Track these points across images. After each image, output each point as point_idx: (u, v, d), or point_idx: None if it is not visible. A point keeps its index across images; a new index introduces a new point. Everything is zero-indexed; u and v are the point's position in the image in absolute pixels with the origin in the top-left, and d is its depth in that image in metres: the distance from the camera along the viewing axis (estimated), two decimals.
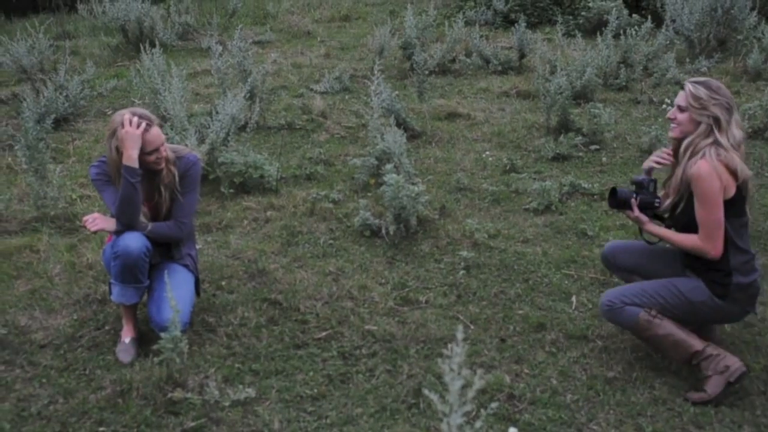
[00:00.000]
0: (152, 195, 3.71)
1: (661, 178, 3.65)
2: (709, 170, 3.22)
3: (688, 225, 3.37)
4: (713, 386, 3.32)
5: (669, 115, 3.46)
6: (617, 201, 3.54)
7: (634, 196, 3.54)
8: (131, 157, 3.49)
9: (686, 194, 3.34)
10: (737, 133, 3.31)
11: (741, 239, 3.36)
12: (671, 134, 3.46)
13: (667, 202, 3.45)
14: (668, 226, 3.55)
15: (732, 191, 3.27)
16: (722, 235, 3.29)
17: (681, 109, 3.39)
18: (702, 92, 3.31)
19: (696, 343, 3.37)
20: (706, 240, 3.29)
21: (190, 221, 3.85)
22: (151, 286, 3.70)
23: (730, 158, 3.25)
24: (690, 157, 3.31)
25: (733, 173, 3.26)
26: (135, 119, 3.50)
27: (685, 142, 3.36)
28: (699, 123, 3.32)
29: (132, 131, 3.48)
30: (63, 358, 3.62)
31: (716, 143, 3.27)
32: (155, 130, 3.60)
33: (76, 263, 4.51)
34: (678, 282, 3.44)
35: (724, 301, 3.36)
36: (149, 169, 3.63)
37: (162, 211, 3.72)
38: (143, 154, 3.55)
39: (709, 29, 9.22)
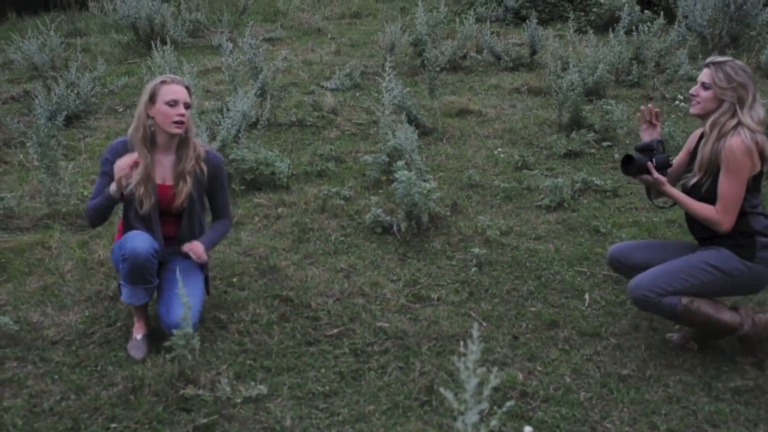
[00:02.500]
0: (177, 181, 3.69)
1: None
2: (744, 148, 3.27)
3: (709, 203, 3.39)
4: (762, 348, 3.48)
5: (691, 91, 3.48)
6: (635, 167, 3.50)
7: (649, 158, 3.52)
8: (112, 188, 3.52)
9: (713, 173, 3.37)
10: (760, 110, 3.37)
11: (760, 206, 3.43)
12: (692, 111, 3.49)
13: (693, 180, 3.45)
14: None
15: (757, 168, 3.34)
16: (737, 212, 3.34)
17: (704, 87, 3.41)
18: (728, 71, 3.35)
19: (732, 321, 3.45)
20: (723, 213, 3.33)
21: (230, 212, 4.01)
22: (160, 285, 3.69)
23: (762, 140, 3.31)
24: (719, 137, 3.34)
25: (762, 154, 3.32)
26: (133, 158, 3.49)
27: (710, 120, 3.39)
28: (722, 101, 3.36)
29: (122, 164, 3.47)
30: (75, 355, 3.61)
31: (741, 123, 3.31)
32: (181, 88, 3.62)
33: (87, 260, 4.51)
34: (705, 257, 3.44)
35: (753, 263, 3.39)
36: (168, 132, 3.63)
37: (179, 200, 3.68)
38: (164, 104, 3.57)
39: (721, 25, 9.16)
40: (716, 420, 3.17)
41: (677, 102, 7.50)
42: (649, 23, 8.89)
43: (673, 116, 7.20)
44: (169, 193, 3.70)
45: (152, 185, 3.64)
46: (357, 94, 8.03)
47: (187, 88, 3.67)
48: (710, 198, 3.39)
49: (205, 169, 3.74)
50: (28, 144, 5.14)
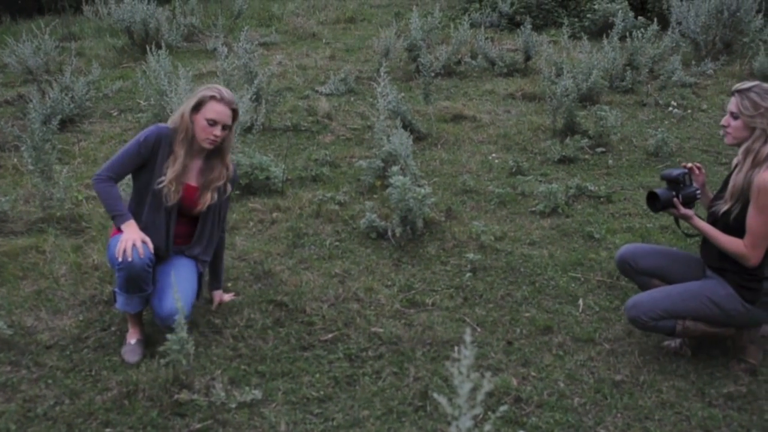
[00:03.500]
0: (203, 189, 3.73)
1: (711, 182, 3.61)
2: None
3: (736, 231, 3.34)
4: (754, 355, 3.50)
5: (722, 122, 3.41)
6: (661, 204, 3.48)
7: (674, 194, 3.49)
8: (118, 224, 3.54)
9: (744, 202, 3.30)
10: None
11: None
12: (726, 141, 3.42)
13: (724, 207, 3.38)
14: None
15: None
16: (766, 247, 3.29)
17: (734, 116, 3.34)
18: (754, 98, 3.26)
19: (727, 330, 3.50)
20: (752, 248, 3.28)
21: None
22: (155, 278, 3.68)
23: None
24: (753, 166, 3.27)
25: None
26: (128, 249, 3.45)
27: (743, 148, 3.32)
28: (753, 129, 3.28)
29: (125, 240, 3.45)
30: (69, 359, 3.61)
31: None
32: (226, 110, 3.61)
33: (82, 264, 4.50)
34: (708, 291, 3.44)
35: (753, 306, 3.39)
36: (199, 144, 3.64)
37: (200, 206, 3.73)
38: (204, 119, 3.57)
39: (715, 32, 9.22)
40: (709, 425, 3.18)
41: (671, 108, 7.53)
42: (642, 29, 8.94)
43: (666, 122, 7.23)
44: (194, 195, 3.72)
45: (182, 184, 3.67)
46: (352, 99, 8.04)
47: (234, 110, 3.67)
48: (737, 227, 3.33)
49: (229, 188, 3.83)
50: (22, 148, 5.13)
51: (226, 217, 4.01)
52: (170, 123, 3.67)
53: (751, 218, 3.27)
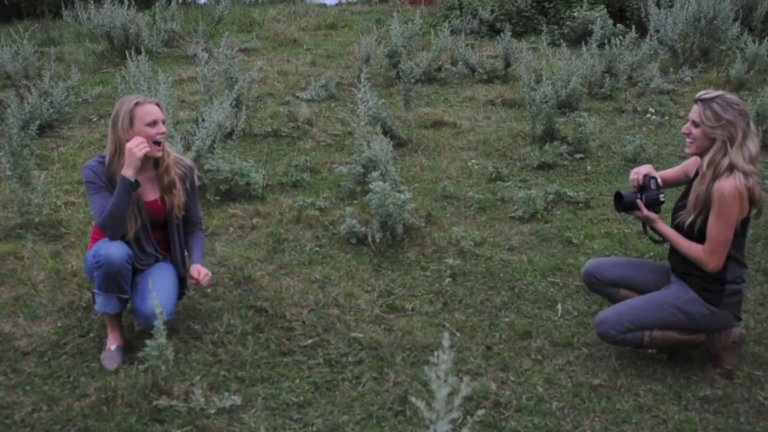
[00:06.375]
0: (169, 189, 3.73)
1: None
2: (736, 194, 3.22)
3: (700, 242, 3.37)
4: (728, 360, 3.54)
5: (684, 129, 3.43)
6: (624, 204, 3.54)
7: (639, 196, 3.54)
8: (128, 172, 3.50)
9: (706, 212, 3.33)
10: (752, 147, 3.29)
11: (740, 253, 3.43)
12: (687, 151, 3.44)
13: (689, 219, 3.40)
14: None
15: (746, 213, 3.31)
16: (725, 253, 3.33)
17: (695, 125, 3.35)
18: (715, 108, 3.27)
19: (697, 337, 3.52)
20: (711, 254, 3.32)
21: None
22: (135, 281, 3.68)
23: (754, 183, 3.26)
24: (714, 178, 3.29)
25: (753, 200, 3.29)
26: (142, 144, 3.51)
27: (706, 160, 3.33)
28: (714, 140, 3.29)
29: (135, 151, 3.48)
30: (47, 366, 3.59)
31: (733, 163, 3.25)
32: (156, 107, 3.64)
33: (60, 270, 4.48)
34: (670, 298, 3.48)
35: (717, 308, 3.43)
36: (153, 155, 3.64)
37: (177, 209, 3.75)
38: (144, 126, 3.57)
39: (692, 39, 9.32)
40: (686, 429, 3.21)
41: (648, 115, 7.61)
42: (621, 37, 9.03)
43: (644, 129, 7.30)
44: (158, 205, 3.73)
45: (139, 207, 3.65)
46: (332, 105, 8.06)
47: (158, 104, 3.70)
48: (701, 238, 3.37)
49: (177, 173, 3.78)
50: (0, 153, 5.10)
51: (197, 207, 3.97)
52: (108, 159, 3.61)
53: (711, 225, 3.31)
